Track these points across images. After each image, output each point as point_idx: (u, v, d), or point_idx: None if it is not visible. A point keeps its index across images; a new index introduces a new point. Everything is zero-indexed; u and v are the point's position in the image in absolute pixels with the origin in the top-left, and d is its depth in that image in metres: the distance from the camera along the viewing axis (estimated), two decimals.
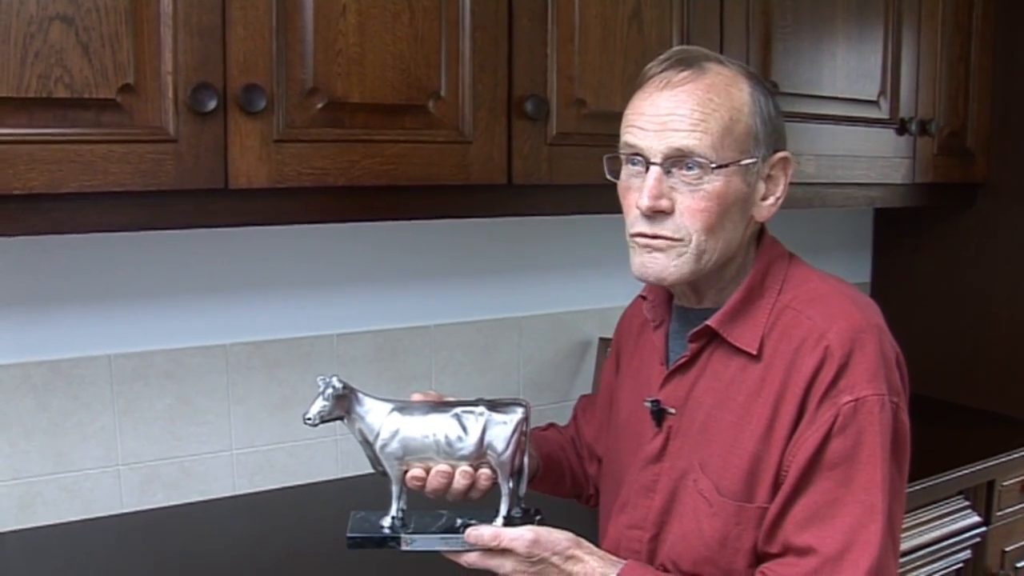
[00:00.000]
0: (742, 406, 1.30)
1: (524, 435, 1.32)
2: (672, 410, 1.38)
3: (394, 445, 1.31)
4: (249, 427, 2.05)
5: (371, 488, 2.06)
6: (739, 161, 1.28)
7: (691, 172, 1.26)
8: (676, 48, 1.35)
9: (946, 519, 2.30)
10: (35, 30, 1.35)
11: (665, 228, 1.28)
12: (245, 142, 1.52)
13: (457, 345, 2.29)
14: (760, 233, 1.40)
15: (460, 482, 1.33)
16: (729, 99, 1.28)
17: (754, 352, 1.30)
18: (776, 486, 1.26)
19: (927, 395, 2.84)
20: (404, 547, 1.33)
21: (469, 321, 2.30)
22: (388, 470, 1.33)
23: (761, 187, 1.32)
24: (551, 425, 1.74)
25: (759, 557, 1.28)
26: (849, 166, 2.36)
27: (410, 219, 1.78)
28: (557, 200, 1.88)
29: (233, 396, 2.03)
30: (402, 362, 2.22)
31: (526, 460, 1.35)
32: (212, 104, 1.47)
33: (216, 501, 2.01)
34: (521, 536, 1.27)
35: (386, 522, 1.35)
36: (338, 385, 1.30)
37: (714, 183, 1.26)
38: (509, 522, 1.32)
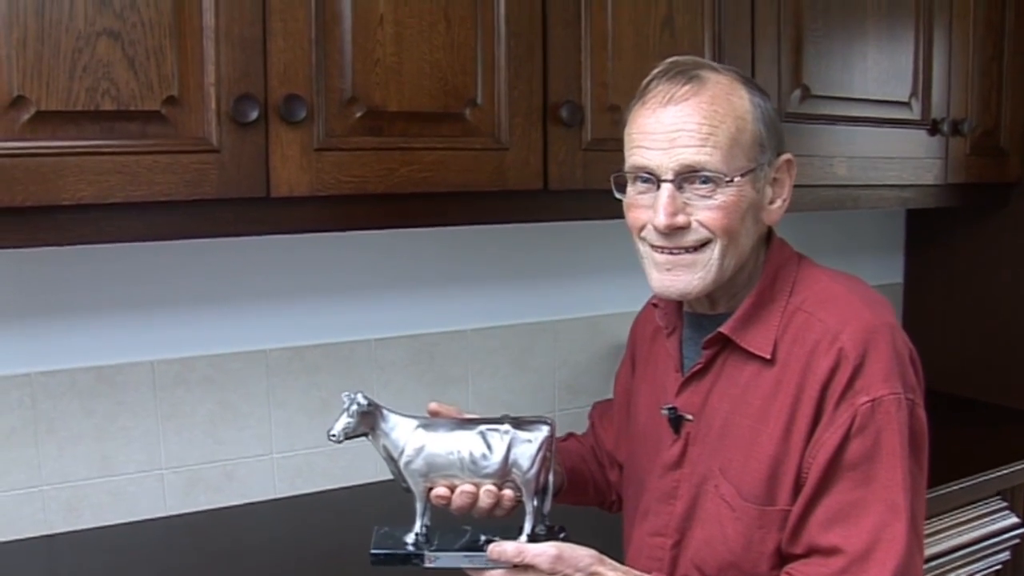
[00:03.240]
0: (759, 410, 1.30)
1: (549, 453, 1.31)
2: (689, 417, 1.39)
3: (419, 462, 1.31)
4: (289, 431, 2.08)
5: (408, 494, 2.09)
6: (750, 170, 1.29)
7: (705, 186, 1.27)
8: (668, 60, 1.34)
9: (984, 520, 2.28)
10: (83, 45, 1.38)
11: (686, 240, 1.29)
12: (286, 151, 1.55)
13: (493, 349, 2.31)
14: (768, 235, 1.40)
15: (485, 501, 1.32)
16: (732, 108, 1.28)
17: (768, 357, 1.31)
18: (797, 488, 1.27)
19: (962, 395, 2.83)
20: (428, 564, 1.33)
21: (505, 325, 2.32)
22: (412, 487, 1.33)
23: (768, 191, 1.33)
24: (570, 435, 1.74)
25: (783, 558, 1.29)
26: (881, 167, 2.36)
27: (447, 225, 1.81)
28: (592, 205, 1.88)
29: (273, 401, 2.06)
30: (439, 366, 2.24)
31: (551, 478, 1.35)
32: (254, 114, 1.50)
33: (257, 504, 2.05)
34: (544, 552, 1.26)
35: (410, 539, 1.34)
36: (363, 402, 1.30)
37: (727, 194, 1.27)
38: (533, 539, 1.31)
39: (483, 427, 1.31)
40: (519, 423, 1.32)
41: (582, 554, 1.28)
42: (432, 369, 2.23)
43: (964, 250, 2.90)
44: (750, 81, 1.34)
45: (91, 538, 1.86)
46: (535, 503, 1.32)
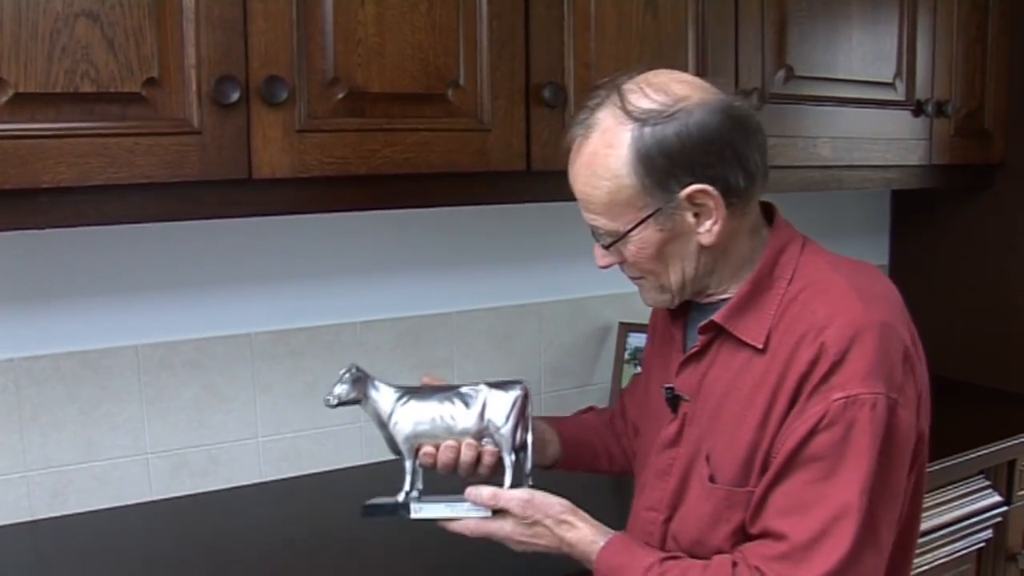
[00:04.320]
0: (747, 396, 1.31)
1: (524, 412, 1.42)
2: (686, 397, 1.40)
3: (404, 425, 1.42)
4: (274, 415, 2.08)
5: (395, 476, 2.09)
6: (642, 219, 1.28)
7: (610, 240, 1.33)
8: (594, 87, 1.34)
9: (967, 499, 2.30)
10: (61, 26, 1.37)
11: (630, 271, 1.39)
12: (268, 133, 1.54)
13: (478, 332, 2.31)
14: (772, 214, 1.40)
15: (466, 454, 1.42)
16: (606, 170, 1.27)
17: (760, 346, 1.30)
18: (764, 471, 1.28)
19: (946, 376, 2.84)
20: (413, 515, 1.44)
21: (490, 308, 2.32)
22: (401, 448, 1.44)
23: (691, 219, 1.28)
24: (590, 408, 1.81)
25: (745, 536, 1.31)
26: (866, 148, 2.37)
27: (430, 207, 1.81)
28: None
29: (258, 384, 2.05)
30: (424, 349, 2.24)
31: (529, 436, 1.43)
32: (235, 96, 1.49)
33: (243, 488, 2.04)
34: (516, 497, 1.38)
35: (400, 497, 1.45)
36: (355, 371, 1.43)
37: (630, 245, 1.31)
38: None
39: (462, 389, 1.43)
40: (494, 384, 1.43)
41: (553, 502, 1.38)
42: (417, 352, 2.23)
43: (948, 231, 2.91)
44: (643, 116, 1.25)
45: (76, 523, 1.86)
46: (512, 457, 1.42)
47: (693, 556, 1.33)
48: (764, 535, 1.26)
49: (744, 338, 1.32)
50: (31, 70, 1.36)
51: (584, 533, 1.37)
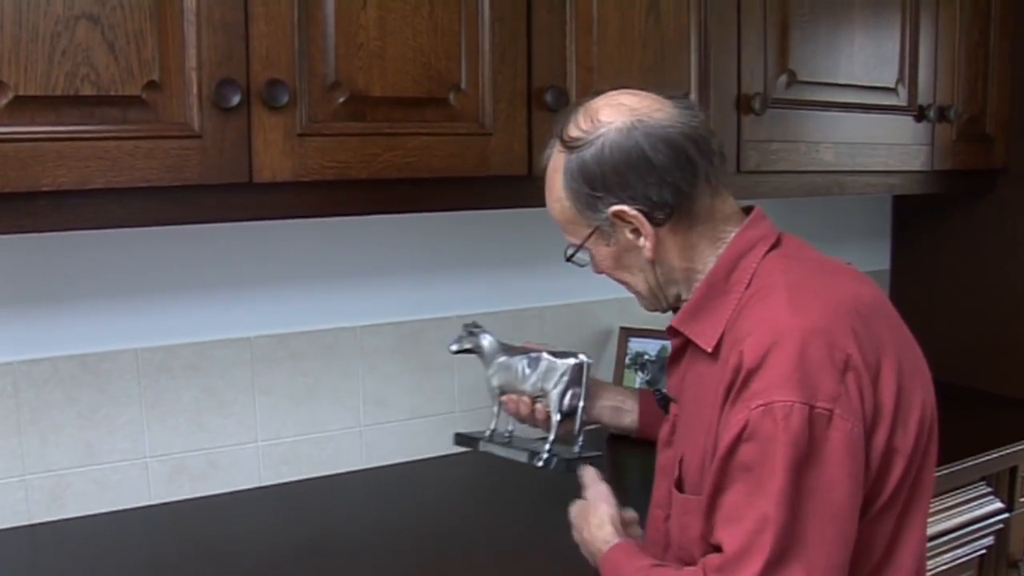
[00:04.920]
0: (707, 402, 1.30)
1: (576, 380, 1.62)
2: (674, 398, 1.45)
3: (492, 377, 1.72)
4: (274, 419, 2.07)
5: (394, 480, 2.10)
6: (589, 234, 1.40)
7: (570, 252, 1.46)
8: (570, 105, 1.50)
9: (968, 505, 2.29)
10: (61, 29, 1.36)
11: (616, 281, 1.47)
12: (268, 136, 1.54)
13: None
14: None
15: (523, 409, 1.67)
16: (552, 192, 1.42)
17: (709, 350, 1.32)
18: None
19: (947, 381, 2.82)
20: (481, 448, 1.75)
21: (491, 312, 2.31)
22: (489, 394, 1.74)
23: (629, 235, 1.36)
24: None
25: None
26: (868, 153, 2.36)
27: (432, 211, 1.81)
28: None
29: (258, 388, 2.05)
30: (425, 353, 2.23)
31: (579, 404, 1.62)
32: (236, 99, 1.48)
33: (242, 492, 2.03)
34: (596, 490, 1.49)
35: (484, 432, 1.76)
36: (471, 326, 1.76)
37: (594, 257, 1.44)
38: (547, 458, 1.62)
39: (534, 354, 1.67)
40: (556, 354, 1.65)
41: (605, 509, 1.46)
42: (418, 356, 2.22)
43: (950, 236, 2.91)
44: (572, 143, 1.36)
45: (75, 527, 1.85)
46: (557, 418, 1.62)
47: (685, 558, 1.35)
48: (715, 545, 1.25)
49: (698, 342, 1.35)
50: (31, 73, 1.35)
51: (604, 533, 1.42)
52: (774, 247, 1.37)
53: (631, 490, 1.59)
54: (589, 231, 1.39)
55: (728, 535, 1.22)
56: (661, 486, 1.46)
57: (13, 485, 1.83)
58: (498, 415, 1.74)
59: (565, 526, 1.51)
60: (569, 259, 1.46)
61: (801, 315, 1.23)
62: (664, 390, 1.47)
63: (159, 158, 1.46)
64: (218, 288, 2.00)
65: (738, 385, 1.22)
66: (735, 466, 1.21)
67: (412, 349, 2.22)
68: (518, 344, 1.73)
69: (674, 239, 1.35)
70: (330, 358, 2.12)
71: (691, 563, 1.30)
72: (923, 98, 2.46)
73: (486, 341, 1.73)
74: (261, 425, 2.06)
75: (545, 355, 1.65)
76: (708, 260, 1.37)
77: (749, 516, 1.20)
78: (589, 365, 1.64)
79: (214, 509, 1.96)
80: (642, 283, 1.42)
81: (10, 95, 1.35)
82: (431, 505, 1.98)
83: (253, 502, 2.00)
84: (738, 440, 1.20)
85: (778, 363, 1.19)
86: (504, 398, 1.70)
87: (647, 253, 1.35)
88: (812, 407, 1.18)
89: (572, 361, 1.63)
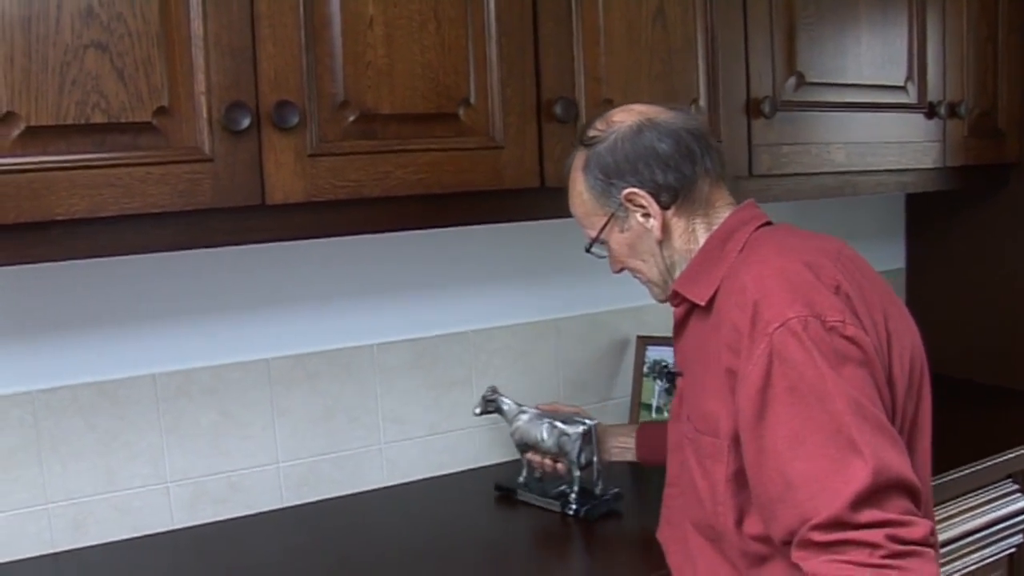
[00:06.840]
0: (711, 356, 1.39)
1: (586, 441, 1.93)
2: (679, 371, 1.57)
3: (515, 435, 2.03)
4: (294, 439, 2.07)
5: (416, 497, 2.09)
6: (605, 223, 1.54)
7: (589, 243, 1.59)
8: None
9: (995, 504, 2.27)
10: (71, 58, 1.37)
11: (631, 273, 1.60)
12: (280, 158, 1.54)
13: (496, 349, 2.30)
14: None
15: (547, 465, 1.99)
16: (575, 188, 1.57)
17: (702, 303, 1.45)
18: (735, 429, 1.33)
19: (967, 378, 2.83)
20: (518, 497, 2.04)
21: (506, 325, 2.31)
22: (516, 449, 2.05)
23: (640, 219, 1.51)
24: None
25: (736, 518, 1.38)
26: (879, 152, 2.35)
27: (445, 227, 1.80)
28: None
29: (277, 409, 2.05)
30: (442, 369, 2.23)
31: (594, 458, 1.94)
32: (246, 122, 1.49)
33: (264, 514, 2.03)
34: None
35: (519, 482, 2.07)
36: (488, 393, 2.06)
37: (610, 246, 1.57)
38: (567, 500, 1.95)
39: (547, 420, 1.98)
40: (568, 422, 1.95)
41: None
42: (435, 372, 2.22)
43: (965, 233, 2.89)
44: (589, 139, 1.53)
45: (97, 555, 1.85)
46: (578, 473, 1.94)
47: (706, 512, 1.42)
48: (774, 477, 1.25)
49: (690, 296, 1.47)
50: (42, 103, 1.36)
51: None
52: (766, 225, 1.50)
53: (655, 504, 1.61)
54: (605, 219, 1.53)
55: (805, 465, 1.21)
56: (672, 463, 1.57)
57: (36, 514, 1.83)
58: (527, 466, 2.04)
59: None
60: (588, 250, 1.59)
61: (786, 256, 1.37)
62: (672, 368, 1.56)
63: (171, 183, 1.46)
64: (234, 311, 2.00)
65: (748, 322, 1.30)
66: (775, 393, 1.25)
67: (429, 365, 2.21)
68: (530, 407, 2.03)
69: (678, 221, 1.50)
70: (347, 377, 2.11)
71: (709, 511, 1.40)
72: (933, 95, 2.44)
73: (505, 405, 2.04)
74: (281, 446, 2.06)
75: (559, 424, 1.95)
76: (704, 240, 1.50)
77: (818, 432, 1.22)
78: (595, 426, 1.94)
79: (237, 532, 1.96)
80: (654, 269, 1.55)
81: (22, 126, 1.35)
82: (455, 522, 1.98)
83: (275, 524, 2.00)
84: (769, 367, 1.26)
85: (777, 287, 1.31)
86: (529, 456, 2.02)
87: (656, 233, 1.50)
88: (823, 320, 1.27)
89: (581, 429, 1.93)
